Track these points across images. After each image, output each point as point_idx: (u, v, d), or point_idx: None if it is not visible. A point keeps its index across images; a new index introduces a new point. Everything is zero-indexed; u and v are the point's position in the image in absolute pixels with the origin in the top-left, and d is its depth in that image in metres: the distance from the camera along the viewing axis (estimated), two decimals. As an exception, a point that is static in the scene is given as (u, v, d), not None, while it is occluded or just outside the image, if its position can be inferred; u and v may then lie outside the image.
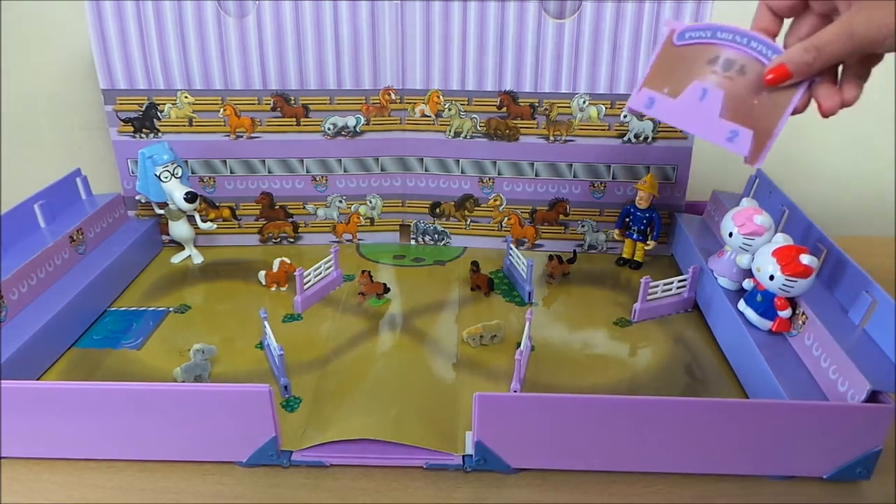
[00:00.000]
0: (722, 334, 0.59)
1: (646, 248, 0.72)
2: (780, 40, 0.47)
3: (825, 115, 0.43)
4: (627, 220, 0.72)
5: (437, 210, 0.77)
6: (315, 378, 0.54)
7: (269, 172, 0.75)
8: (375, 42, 0.69)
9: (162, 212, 0.72)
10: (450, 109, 0.72)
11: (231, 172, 0.75)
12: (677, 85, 0.49)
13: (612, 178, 0.73)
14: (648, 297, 0.63)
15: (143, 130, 0.72)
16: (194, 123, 0.72)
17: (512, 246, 0.71)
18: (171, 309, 0.65)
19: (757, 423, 0.43)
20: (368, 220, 0.78)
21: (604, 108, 0.70)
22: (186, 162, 0.73)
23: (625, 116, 0.70)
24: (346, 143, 0.74)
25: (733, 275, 0.60)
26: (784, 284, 0.51)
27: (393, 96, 0.72)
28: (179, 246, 0.75)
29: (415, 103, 0.72)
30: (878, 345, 0.47)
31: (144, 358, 0.57)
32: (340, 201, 0.77)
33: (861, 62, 0.42)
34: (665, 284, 0.64)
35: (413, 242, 0.79)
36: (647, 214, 0.71)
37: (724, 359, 0.57)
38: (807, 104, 0.44)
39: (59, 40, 0.83)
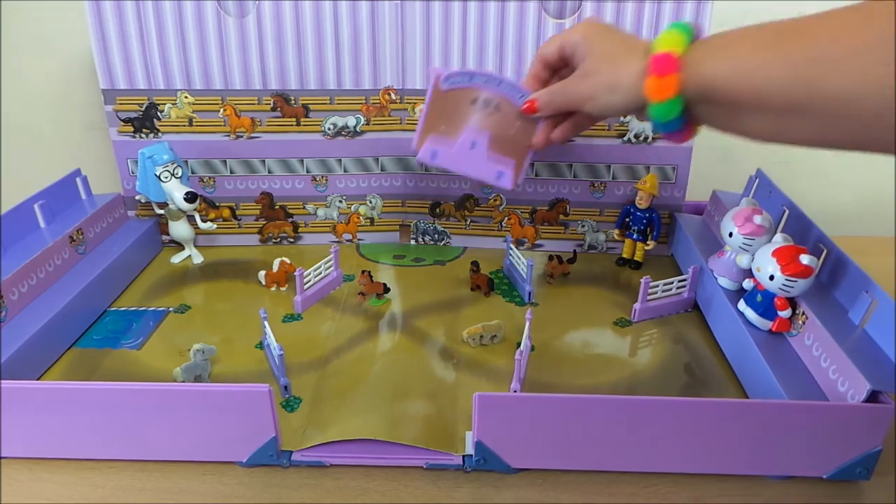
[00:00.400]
0: (722, 334, 0.59)
1: (646, 248, 0.72)
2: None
3: (533, 146, 0.57)
4: (627, 220, 0.72)
5: (437, 210, 0.77)
6: (315, 378, 0.54)
7: (269, 172, 0.75)
8: (375, 42, 0.69)
9: (162, 212, 0.72)
10: (450, 109, 0.72)
11: (231, 172, 0.75)
12: (451, 126, 0.59)
13: (612, 178, 0.73)
14: (648, 297, 0.63)
15: (143, 130, 0.72)
16: (194, 123, 0.72)
17: (512, 246, 0.71)
18: (171, 309, 0.65)
19: (757, 423, 0.43)
20: (368, 220, 0.78)
21: (604, 108, 0.70)
22: (186, 162, 0.73)
23: (625, 116, 0.70)
24: (346, 143, 0.74)
25: (733, 275, 0.60)
26: (784, 284, 0.51)
27: (393, 96, 0.72)
28: (179, 246, 0.75)
29: (415, 103, 0.72)
30: (878, 345, 0.47)
31: (144, 358, 0.57)
32: (340, 201, 0.77)
33: (582, 115, 0.54)
34: (665, 284, 0.64)
35: (413, 242, 0.79)
36: (647, 214, 0.71)
37: (724, 359, 0.57)
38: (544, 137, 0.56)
39: (59, 40, 0.83)
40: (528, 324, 0.55)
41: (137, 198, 0.74)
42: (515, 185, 0.59)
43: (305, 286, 0.65)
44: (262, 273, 0.68)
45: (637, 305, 0.63)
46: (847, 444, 0.43)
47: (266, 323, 0.56)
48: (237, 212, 0.77)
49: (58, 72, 0.85)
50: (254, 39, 0.69)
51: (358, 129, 0.73)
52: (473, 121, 0.58)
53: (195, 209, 0.70)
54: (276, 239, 0.78)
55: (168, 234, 0.74)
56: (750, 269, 0.56)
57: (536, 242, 0.77)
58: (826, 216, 0.61)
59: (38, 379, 0.54)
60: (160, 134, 0.73)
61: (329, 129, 0.73)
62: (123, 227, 0.74)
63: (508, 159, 0.59)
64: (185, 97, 0.71)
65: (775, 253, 0.52)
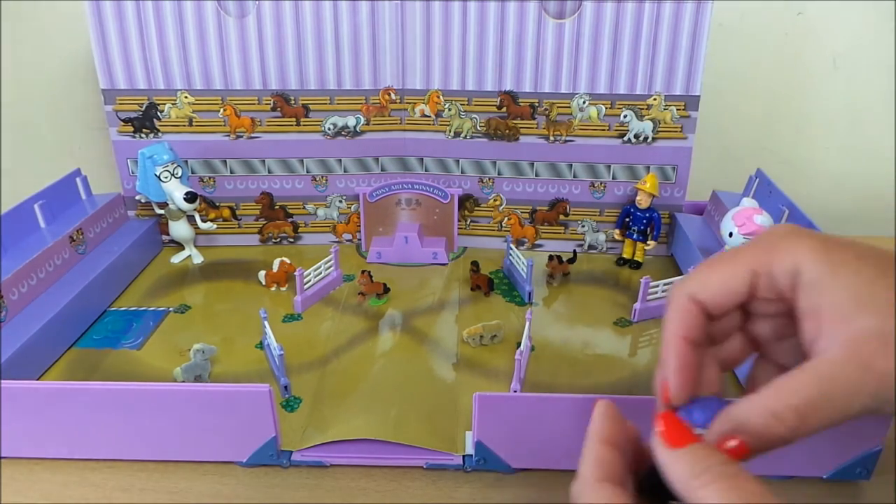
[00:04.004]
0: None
1: (646, 248, 0.72)
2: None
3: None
4: (627, 220, 0.72)
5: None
6: (315, 378, 0.54)
7: (269, 172, 0.75)
8: (375, 42, 0.69)
9: (162, 212, 0.72)
10: (450, 109, 0.72)
11: (231, 172, 0.75)
12: (387, 227, 0.75)
13: (612, 178, 0.73)
14: (648, 297, 0.63)
15: (143, 130, 0.72)
16: (194, 123, 0.72)
17: (512, 246, 0.71)
18: (171, 309, 0.65)
19: (757, 423, 0.43)
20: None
21: (604, 108, 0.70)
22: (186, 162, 0.73)
23: (625, 116, 0.70)
24: (346, 143, 0.74)
25: (733, 275, 0.60)
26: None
27: (393, 96, 0.72)
28: (179, 246, 0.75)
29: (415, 103, 0.72)
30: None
31: (144, 358, 0.57)
32: (340, 201, 0.77)
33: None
34: (665, 284, 0.64)
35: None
36: (647, 214, 0.71)
37: (724, 359, 0.57)
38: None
39: (59, 40, 0.83)
40: (528, 324, 0.55)
41: (137, 198, 0.74)
42: (448, 258, 0.73)
43: (305, 286, 0.65)
44: (262, 273, 0.68)
45: (637, 305, 0.63)
46: (847, 444, 0.43)
47: (266, 323, 0.56)
48: (237, 212, 0.77)
49: (58, 72, 0.85)
50: (254, 39, 0.69)
51: (358, 129, 0.73)
52: (403, 218, 0.75)
53: (195, 209, 0.70)
54: (276, 239, 0.78)
55: (168, 234, 0.74)
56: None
57: (536, 242, 0.77)
58: (826, 216, 0.61)
59: (38, 379, 0.54)
60: (160, 134, 0.73)
61: (329, 129, 0.73)
62: (123, 227, 0.74)
63: (439, 239, 0.74)
64: (185, 97, 0.71)
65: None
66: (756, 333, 0.30)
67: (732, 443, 0.24)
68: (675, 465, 0.24)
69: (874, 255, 0.25)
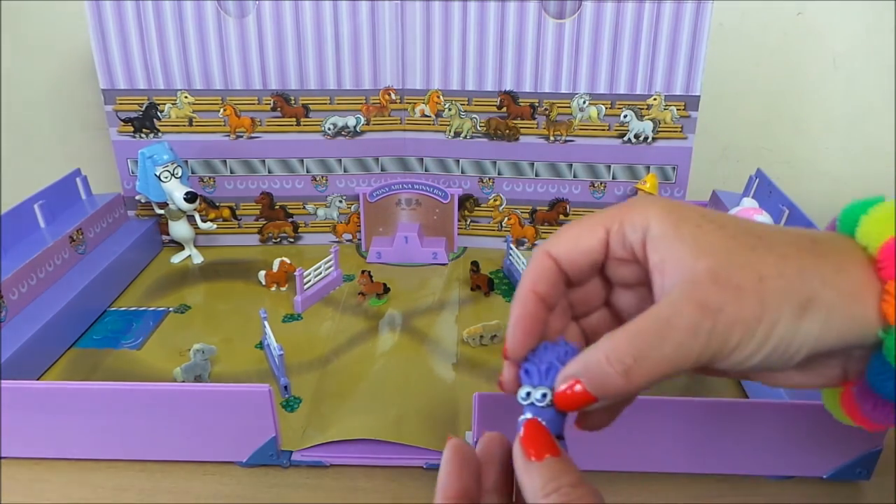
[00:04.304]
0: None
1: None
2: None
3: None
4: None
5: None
6: (315, 378, 0.54)
7: (269, 172, 0.75)
8: (375, 42, 0.69)
9: (162, 212, 0.72)
10: (450, 109, 0.72)
11: (231, 172, 0.75)
12: (387, 227, 0.75)
13: (612, 178, 0.73)
14: (648, 297, 0.63)
15: (143, 130, 0.72)
16: (194, 123, 0.72)
17: (512, 246, 0.71)
18: (171, 309, 0.65)
19: (757, 423, 0.43)
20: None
21: (604, 108, 0.70)
22: (186, 162, 0.73)
23: (625, 116, 0.70)
24: (346, 143, 0.74)
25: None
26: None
27: (393, 96, 0.72)
28: (179, 246, 0.75)
29: (415, 103, 0.72)
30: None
31: (144, 358, 0.57)
32: (340, 201, 0.77)
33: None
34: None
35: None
36: (647, 214, 0.71)
37: (724, 359, 0.57)
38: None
39: (59, 40, 0.83)
40: (528, 324, 0.55)
41: (137, 198, 0.74)
42: (451, 252, 0.74)
43: (305, 286, 0.65)
44: (262, 273, 0.68)
45: (637, 305, 0.63)
46: (847, 444, 0.43)
47: (266, 323, 0.56)
48: (237, 212, 0.77)
49: (58, 72, 0.85)
50: (254, 39, 0.69)
51: (358, 129, 0.73)
52: (403, 218, 0.74)
53: (195, 209, 0.70)
54: (276, 239, 0.78)
55: (168, 234, 0.74)
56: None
57: (536, 242, 0.77)
58: (826, 216, 0.61)
59: (38, 379, 0.54)
60: (160, 134, 0.73)
61: (329, 129, 0.73)
62: (123, 227, 0.74)
63: (439, 239, 0.74)
64: (185, 97, 0.71)
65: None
66: (620, 307, 0.30)
67: (578, 387, 0.24)
68: (527, 476, 0.24)
69: (718, 215, 0.26)
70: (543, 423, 0.25)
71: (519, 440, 0.25)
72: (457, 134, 0.73)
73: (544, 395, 0.26)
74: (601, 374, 0.24)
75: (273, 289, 0.68)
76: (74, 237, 0.65)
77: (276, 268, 0.68)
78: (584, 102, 0.70)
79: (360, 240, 0.78)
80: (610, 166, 0.73)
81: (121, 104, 0.71)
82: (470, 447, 0.26)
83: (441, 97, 0.71)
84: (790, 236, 0.25)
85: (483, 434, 0.28)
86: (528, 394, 0.26)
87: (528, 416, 0.26)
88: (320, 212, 0.77)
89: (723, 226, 0.25)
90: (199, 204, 0.71)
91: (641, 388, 0.24)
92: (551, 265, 0.27)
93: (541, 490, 0.23)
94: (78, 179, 0.72)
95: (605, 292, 0.30)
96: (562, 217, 0.75)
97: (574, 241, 0.27)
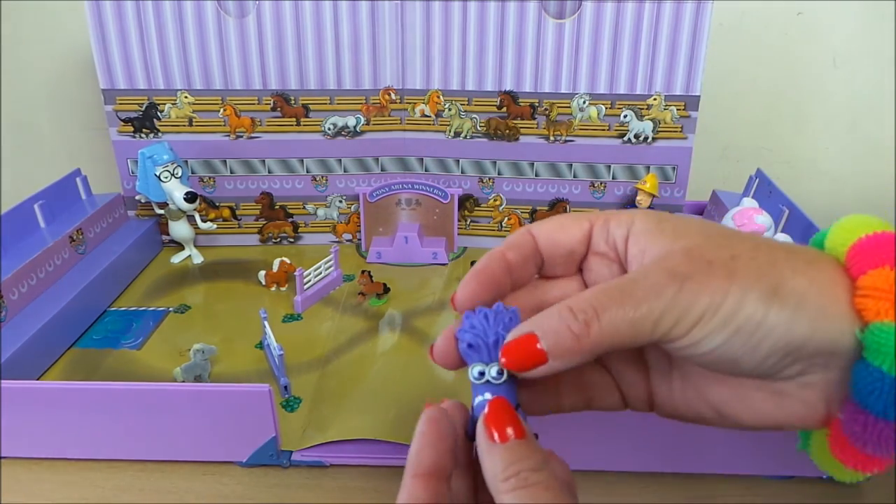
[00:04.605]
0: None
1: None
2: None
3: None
4: (627, 220, 0.72)
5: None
6: (315, 378, 0.54)
7: (269, 172, 0.75)
8: (375, 42, 0.69)
9: (162, 212, 0.72)
10: (450, 109, 0.72)
11: (231, 172, 0.75)
12: (387, 227, 0.75)
13: (612, 178, 0.73)
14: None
15: (143, 130, 0.72)
16: (194, 123, 0.72)
17: (512, 246, 0.70)
18: (171, 309, 0.65)
19: (757, 423, 0.43)
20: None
21: (604, 108, 0.70)
22: (186, 162, 0.73)
23: (625, 116, 0.70)
24: (346, 143, 0.74)
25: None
26: None
27: (393, 96, 0.72)
28: (179, 246, 0.75)
29: (415, 103, 0.72)
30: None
31: (144, 358, 0.57)
32: (340, 201, 0.77)
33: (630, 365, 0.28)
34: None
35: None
36: (647, 214, 0.71)
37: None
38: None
39: (59, 40, 0.83)
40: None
41: (137, 198, 0.74)
42: (450, 253, 0.74)
43: (305, 286, 0.65)
44: (262, 273, 0.68)
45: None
46: (847, 444, 0.43)
47: (266, 323, 0.56)
48: (237, 212, 0.77)
49: (58, 72, 0.85)
50: (254, 39, 0.69)
51: (358, 129, 0.73)
52: (403, 218, 0.74)
53: (195, 209, 0.70)
54: (276, 239, 0.78)
55: (168, 234, 0.74)
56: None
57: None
58: (826, 216, 0.61)
59: (38, 379, 0.54)
60: (160, 134, 0.73)
61: (329, 129, 0.73)
62: (123, 227, 0.74)
63: (439, 239, 0.74)
64: (185, 97, 0.71)
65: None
66: None
67: (536, 345, 0.23)
68: (489, 458, 0.23)
69: (699, 219, 0.26)
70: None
71: (483, 419, 0.24)
72: (457, 134, 0.73)
73: (500, 373, 0.24)
74: (557, 328, 0.22)
75: (273, 289, 0.68)
76: (74, 237, 0.65)
77: (276, 268, 0.68)
78: (584, 102, 0.70)
79: (360, 240, 0.78)
80: (610, 166, 0.73)
81: (121, 104, 0.71)
82: (448, 419, 0.25)
83: (441, 97, 0.71)
84: (765, 238, 0.25)
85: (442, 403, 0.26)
86: (482, 373, 0.24)
87: (486, 396, 0.24)
88: (320, 212, 0.77)
89: (701, 221, 0.25)
90: (199, 204, 0.71)
91: (595, 352, 0.22)
92: (529, 240, 0.27)
93: (501, 474, 0.22)
94: (78, 179, 0.72)
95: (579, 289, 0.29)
96: (562, 217, 0.75)
97: (558, 226, 0.27)
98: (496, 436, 0.23)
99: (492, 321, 0.24)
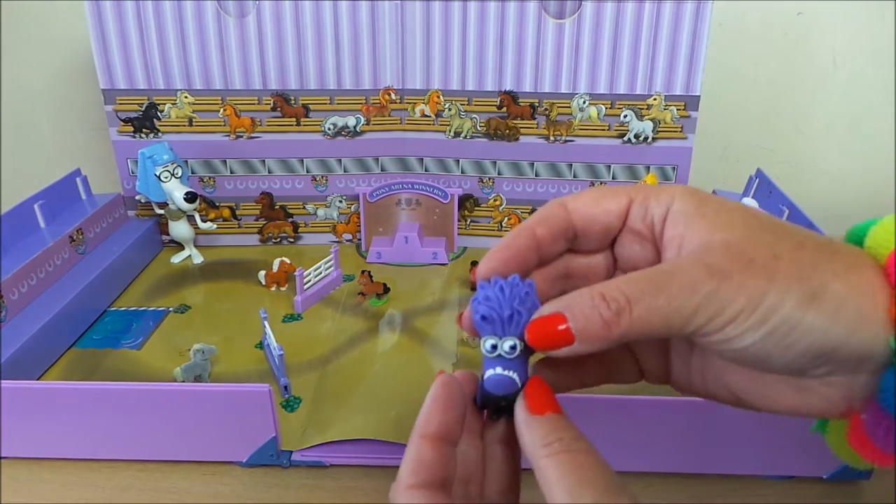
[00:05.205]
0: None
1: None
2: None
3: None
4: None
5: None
6: (315, 378, 0.54)
7: (269, 172, 0.75)
8: (375, 42, 0.69)
9: (162, 212, 0.72)
10: (450, 109, 0.72)
11: (231, 172, 0.75)
12: (387, 227, 0.75)
13: (613, 178, 0.73)
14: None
15: (143, 130, 0.72)
16: (194, 123, 0.72)
17: (512, 246, 0.70)
18: (171, 309, 0.65)
19: (757, 423, 0.43)
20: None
21: (604, 108, 0.70)
22: (186, 162, 0.73)
23: (625, 116, 0.70)
24: (346, 143, 0.74)
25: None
26: None
27: (393, 96, 0.72)
28: (179, 246, 0.75)
29: (415, 103, 0.72)
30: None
31: (144, 358, 0.57)
32: (340, 201, 0.77)
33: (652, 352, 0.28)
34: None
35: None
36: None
37: (724, 359, 0.57)
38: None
39: (59, 40, 0.83)
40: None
41: (137, 198, 0.74)
42: (450, 252, 0.74)
43: (305, 286, 0.65)
44: (262, 273, 0.68)
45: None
46: (847, 444, 0.43)
47: (266, 323, 0.56)
48: (237, 212, 0.77)
49: (58, 72, 0.85)
50: (254, 39, 0.69)
51: (358, 129, 0.73)
52: (403, 218, 0.75)
53: (195, 209, 0.70)
54: (276, 239, 0.78)
55: (168, 234, 0.74)
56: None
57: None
58: (826, 216, 0.61)
59: (38, 379, 0.54)
60: (160, 134, 0.73)
61: (329, 129, 0.73)
62: (123, 227, 0.74)
63: (439, 239, 0.74)
64: (185, 97, 0.71)
65: None
66: None
67: (561, 326, 0.23)
68: (529, 428, 0.23)
69: (742, 206, 0.25)
70: (514, 375, 0.25)
71: (522, 395, 0.24)
72: (457, 134, 0.73)
73: (513, 348, 0.24)
74: (588, 314, 0.22)
75: (273, 289, 0.68)
76: (74, 237, 0.65)
77: (276, 268, 0.68)
78: (584, 102, 0.70)
79: (360, 240, 0.78)
80: (610, 166, 0.73)
81: (121, 104, 0.71)
82: (460, 387, 0.26)
83: (441, 97, 0.71)
84: (808, 232, 0.24)
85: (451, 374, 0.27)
86: (494, 346, 0.24)
87: (497, 371, 0.25)
88: (320, 212, 0.77)
89: (743, 210, 0.24)
90: (199, 204, 0.71)
91: (623, 340, 0.22)
92: (563, 215, 0.26)
93: (542, 440, 0.23)
94: (78, 179, 0.72)
95: (608, 273, 0.28)
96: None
97: (596, 200, 0.26)
98: (535, 409, 0.24)
99: (507, 294, 0.24)
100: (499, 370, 0.24)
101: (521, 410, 0.24)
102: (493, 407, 0.26)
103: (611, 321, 0.22)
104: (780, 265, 0.22)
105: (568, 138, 0.72)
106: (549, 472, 0.22)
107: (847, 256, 0.23)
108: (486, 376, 0.25)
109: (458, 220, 0.75)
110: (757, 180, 0.70)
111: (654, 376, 0.28)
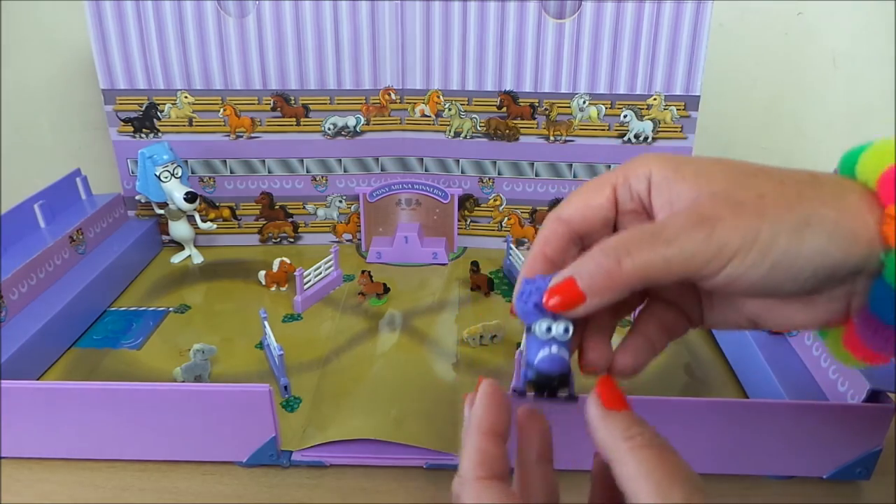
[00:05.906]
0: (722, 334, 0.59)
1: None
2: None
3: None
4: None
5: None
6: (315, 378, 0.54)
7: (269, 172, 0.75)
8: (375, 42, 0.69)
9: (162, 212, 0.72)
10: (450, 109, 0.72)
11: (231, 172, 0.75)
12: (387, 227, 0.75)
13: (612, 178, 0.73)
14: (648, 297, 0.63)
15: (143, 130, 0.72)
16: (194, 123, 0.72)
17: (512, 246, 0.71)
18: (171, 309, 0.65)
19: (757, 423, 0.43)
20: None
21: (604, 108, 0.70)
22: (186, 162, 0.73)
23: (625, 116, 0.70)
24: (346, 143, 0.74)
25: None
26: None
27: (393, 96, 0.72)
28: (179, 246, 0.75)
29: (415, 103, 0.72)
30: (878, 345, 0.47)
31: (144, 358, 0.57)
32: (340, 201, 0.77)
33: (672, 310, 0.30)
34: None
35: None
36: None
37: (724, 359, 0.57)
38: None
39: (59, 40, 0.83)
40: (528, 324, 0.55)
41: (137, 198, 0.74)
42: (451, 251, 0.75)
43: (305, 286, 0.65)
44: (262, 273, 0.68)
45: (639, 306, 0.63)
46: (847, 444, 0.43)
47: (266, 323, 0.56)
48: (237, 212, 0.77)
49: (58, 72, 0.85)
50: (254, 39, 0.69)
51: (358, 129, 0.73)
52: (403, 218, 0.75)
53: (195, 209, 0.70)
54: (276, 239, 0.78)
55: (168, 234, 0.74)
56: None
57: (536, 242, 0.77)
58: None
59: (38, 379, 0.54)
60: (160, 134, 0.73)
61: (329, 129, 0.73)
62: (123, 227, 0.74)
63: (439, 239, 0.74)
64: (185, 97, 0.71)
65: None
66: None
67: (572, 287, 0.24)
68: (606, 423, 0.25)
69: (715, 158, 0.27)
70: (566, 356, 0.27)
71: (596, 394, 0.26)
72: (457, 134, 0.73)
73: (566, 330, 0.26)
74: (591, 269, 0.24)
75: (273, 289, 0.68)
76: (74, 237, 0.65)
77: (276, 268, 0.68)
78: (584, 102, 0.70)
79: (360, 240, 0.78)
80: (610, 166, 0.73)
81: (121, 104, 0.71)
82: (504, 392, 0.28)
83: (441, 97, 0.72)
84: (789, 170, 0.25)
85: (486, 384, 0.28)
86: (549, 328, 0.26)
87: (553, 350, 0.26)
88: (320, 212, 0.77)
89: (721, 162, 0.26)
90: (199, 204, 0.71)
91: (628, 287, 0.24)
92: (561, 229, 0.28)
93: (623, 433, 0.24)
94: (78, 179, 0.72)
95: None
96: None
97: (584, 202, 0.28)
98: (610, 406, 0.25)
99: (537, 286, 0.27)
100: (553, 349, 0.27)
101: (594, 406, 0.25)
102: (545, 385, 0.27)
103: (612, 270, 0.24)
104: (766, 202, 0.24)
105: (568, 138, 0.72)
106: (634, 466, 0.23)
107: (832, 185, 0.25)
108: (539, 357, 0.27)
109: (458, 220, 0.75)
110: (757, 180, 0.70)
111: (696, 322, 0.30)
